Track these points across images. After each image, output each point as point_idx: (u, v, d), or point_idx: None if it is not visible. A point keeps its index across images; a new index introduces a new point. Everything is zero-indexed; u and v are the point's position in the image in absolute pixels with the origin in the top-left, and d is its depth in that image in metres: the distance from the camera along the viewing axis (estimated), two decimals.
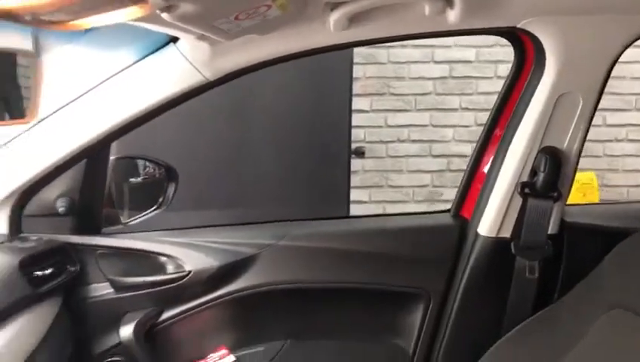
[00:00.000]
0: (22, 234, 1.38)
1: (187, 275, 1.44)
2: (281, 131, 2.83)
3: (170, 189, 1.61)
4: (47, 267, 1.33)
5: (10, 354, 1.17)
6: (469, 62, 3.51)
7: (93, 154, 1.40)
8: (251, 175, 2.72)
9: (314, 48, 1.25)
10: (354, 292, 1.53)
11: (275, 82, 2.72)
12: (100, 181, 1.52)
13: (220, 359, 1.50)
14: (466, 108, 3.57)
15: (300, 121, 2.90)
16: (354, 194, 3.49)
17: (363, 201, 3.61)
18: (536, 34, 1.25)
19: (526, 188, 1.40)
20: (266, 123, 2.79)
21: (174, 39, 1.23)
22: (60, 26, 0.59)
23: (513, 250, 1.43)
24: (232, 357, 1.50)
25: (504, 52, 3.39)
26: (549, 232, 1.43)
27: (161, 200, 1.59)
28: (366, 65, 3.51)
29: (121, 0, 0.60)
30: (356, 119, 3.46)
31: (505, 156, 1.42)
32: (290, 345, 1.54)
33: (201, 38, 1.14)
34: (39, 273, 1.30)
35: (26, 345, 1.22)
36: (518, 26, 1.23)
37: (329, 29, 1.20)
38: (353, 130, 3.40)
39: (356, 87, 3.46)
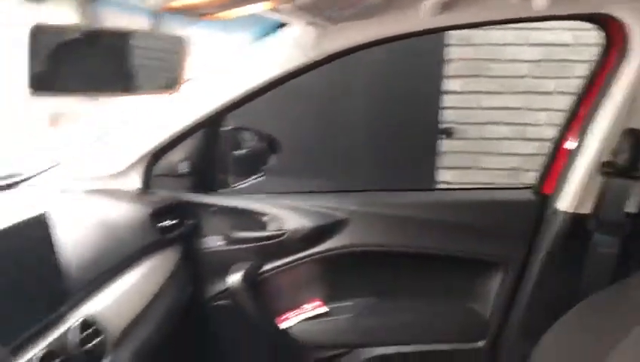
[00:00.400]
0: (151, 190, 1.62)
1: (285, 233, 1.63)
2: (373, 109, 2.97)
3: (274, 158, 1.80)
4: (171, 219, 1.57)
5: (143, 288, 1.41)
6: (566, 45, 3.45)
7: (211, 124, 1.62)
8: (346, 149, 2.90)
9: (407, 33, 1.38)
10: (435, 258, 1.65)
11: (369, 62, 2.85)
12: (214, 148, 1.74)
13: (313, 309, 1.68)
14: (561, 92, 3.52)
15: (392, 100, 3.02)
16: (441, 175, 3.57)
17: (449, 182, 3.67)
18: (622, 19, 1.30)
19: (607, 168, 1.45)
20: (359, 101, 2.94)
21: (284, 24, 1.40)
22: (212, 17, 0.76)
23: (591, 227, 1.49)
24: (324, 309, 1.68)
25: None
26: (628, 211, 1.48)
27: (265, 167, 1.79)
28: (460, 47, 3.54)
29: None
30: (448, 100, 3.51)
31: (588, 136, 1.48)
32: (375, 302, 1.69)
33: (310, 23, 1.30)
34: (164, 223, 1.54)
35: (154, 283, 1.45)
36: (603, 11, 1.29)
37: (422, 15, 1.32)
38: (445, 111, 3.47)
39: (450, 69, 3.51)
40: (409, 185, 2.46)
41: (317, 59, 1.41)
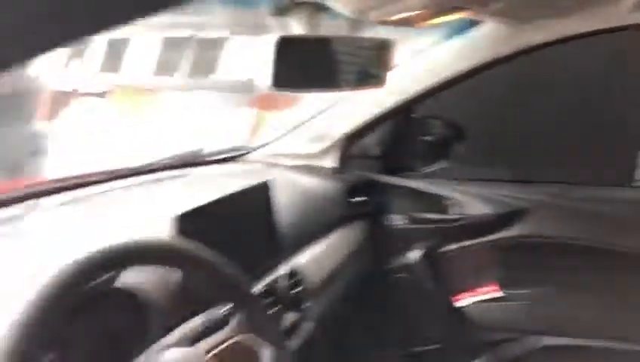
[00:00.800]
0: (345, 170, 1.82)
1: (466, 218, 1.72)
2: (567, 100, 2.85)
3: (459, 146, 1.88)
4: (361, 196, 1.76)
5: (335, 253, 1.62)
6: None
7: (403, 112, 1.77)
8: (535, 140, 2.84)
9: (606, 28, 1.37)
10: (623, 255, 1.60)
11: (568, 49, 2.73)
12: (404, 134, 1.88)
13: (488, 292, 1.75)
14: None
15: (590, 90, 2.87)
16: None
17: None
18: None
19: None
20: (553, 92, 2.84)
21: (475, 22, 1.49)
22: (417, 25, 0.90)
23: None
24: (500, 293, 1.73)
25: None
26: None
27: (450, 154, 1.88)
28: None
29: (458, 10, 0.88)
30: None
31: None
32: (553, 292, 1.69)
33: (501, 21, 1.37)
34: (356, 199, 1.74)
35: (343, 250, 1.66)
36: None
37: (624, 10, 1.30)
38: None
39: None
40: (601, 180, 2.36)
41: (508, 53, 1.47)
